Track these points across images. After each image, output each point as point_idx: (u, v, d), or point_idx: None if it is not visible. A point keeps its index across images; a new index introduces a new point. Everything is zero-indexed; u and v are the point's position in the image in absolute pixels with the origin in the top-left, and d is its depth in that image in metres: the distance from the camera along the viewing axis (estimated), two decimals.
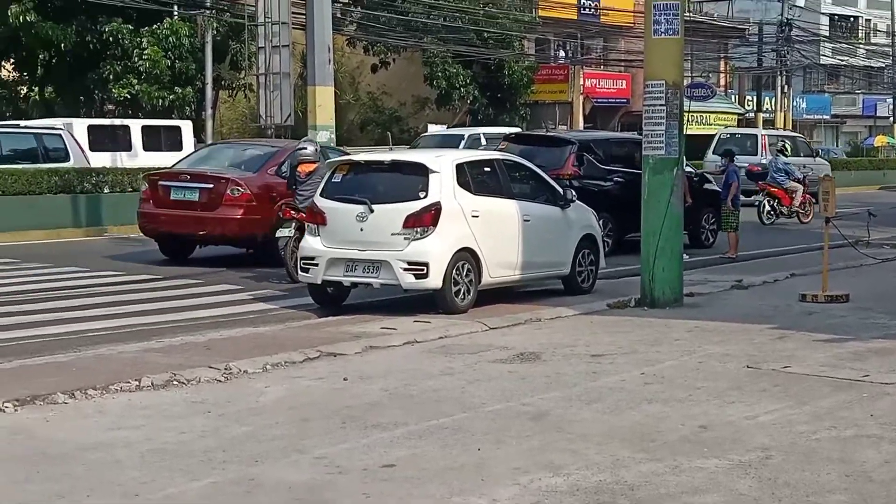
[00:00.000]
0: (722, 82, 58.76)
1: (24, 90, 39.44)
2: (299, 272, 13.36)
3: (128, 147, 29.41)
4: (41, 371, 9.50)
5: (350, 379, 9.41)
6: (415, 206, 12.73)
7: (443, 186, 12.87)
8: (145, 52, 33.79)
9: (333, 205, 13.11)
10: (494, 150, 18.42)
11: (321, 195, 13.35)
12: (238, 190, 17.18)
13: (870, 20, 79.10)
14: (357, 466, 6.86)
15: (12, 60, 38.39)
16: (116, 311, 13.29)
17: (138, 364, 9.76)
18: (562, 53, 51.23)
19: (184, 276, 16.37)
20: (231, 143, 20.69)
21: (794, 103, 65.52)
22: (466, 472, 6.74)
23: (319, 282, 13.14)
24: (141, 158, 28.40)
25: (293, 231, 15.22)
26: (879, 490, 6.42)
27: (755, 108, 59.39)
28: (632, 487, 6.45)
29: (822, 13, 68.88)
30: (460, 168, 13.26)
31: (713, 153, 34.99)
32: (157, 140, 30.18)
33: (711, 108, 51.25)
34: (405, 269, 12.60)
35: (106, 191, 24.11)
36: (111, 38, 34.08)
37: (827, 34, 67.94)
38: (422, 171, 12.98)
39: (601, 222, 15.91)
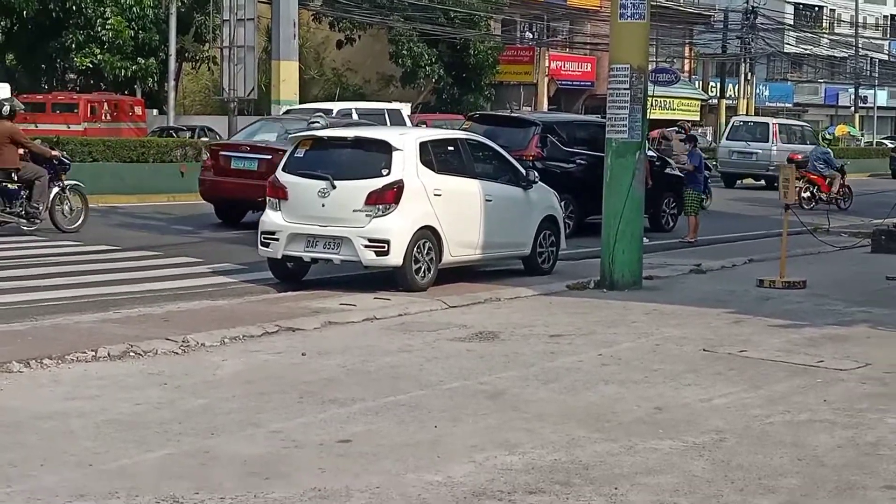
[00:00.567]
0: (686, 68, 58.94)
1: None
2: (259, 246, 13.31)
3: None
4: None
5: (308, 354, 9.41)
6: (377, 183, 12.71)
7: (406, 164, 12.85)
8: (108, 21, 33.53)
9: (295, 180, 13.06)
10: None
11: (283, 170, 13.29)
12: None
13: (834, 10, 79.58)
14: (313, 441, 6.86)
15: None
16: (74, 282, 13.20)
17: (95, 334, 9.71)
18: (529, 35, 51.23)
19: (143, 248, 16.28)
20: (280, 118, 21.64)
21: (757, 91, 65.87)
22: (422, 449, 6.76)
23: (280, 256, 13.09)
24: None
25: None
26: (831, 474, 6.49)
27: (718, 95, 59.67)
28: (586, 467, 6.48)
29: (788, 2, 69.26)
30: (424, 146, 13.24)
31: (727, 139, 36.17)
32: None
33: (675, 94, 51.44)
34: (366, 246, 12.58)
35: None
36: (74, 7, 33.77)
37: (791, 23, 68.27)
38: (385, 149, 12.95)
39: (563, 204, 15.93)
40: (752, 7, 56.86)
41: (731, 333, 10.80)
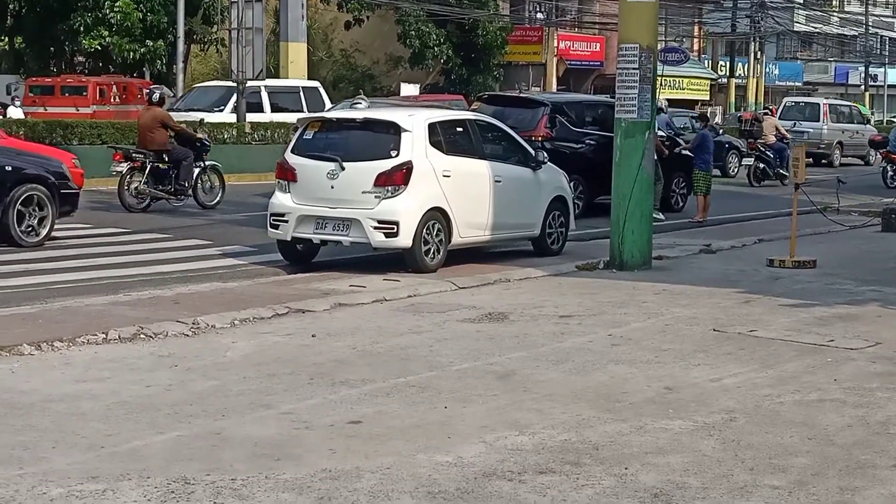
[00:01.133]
0: (696, 47, 58.77)
1: None
2: (269, 228, 13.32)
3: None
4: (7, 322, 9.45)
5: (318, 336, 9.42)
6: (386, 164, 12.70)
7: (414, 145, 12.84)
8: (117, 3, 33.50)
9: (304, 161, 13.06)
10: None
11: (292, 152, 13.29)
12: None
13: None
14: (323, 422, 6.87)
15: None
16: (84, 264, 13.23)
17: (105, 317, 9.73)
18: (540, 15, 51.07)
19: (152, 231, 16.31)
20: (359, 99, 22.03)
21: (767, 70, 65.66)
22: (432, 430, 6.77)
23: (289, 238, 13.11)
24: None
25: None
26: (841, 453, 6.48)
27: (728, 74, 59.50)
28: (596, 447, 6.49)
29: None
30: (432, 127, 13.22)
31: (780, 119, 37.17)
32: None
33: (684, 73, 51.34)
34: (375, 228, 12.59)
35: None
36: None
37: (801, 1, 67.97)
38: (394, 130, 12.94)
39: (572, 185, 15.92)
40: None
41: (741, 313, 10.79)
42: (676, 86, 51.77)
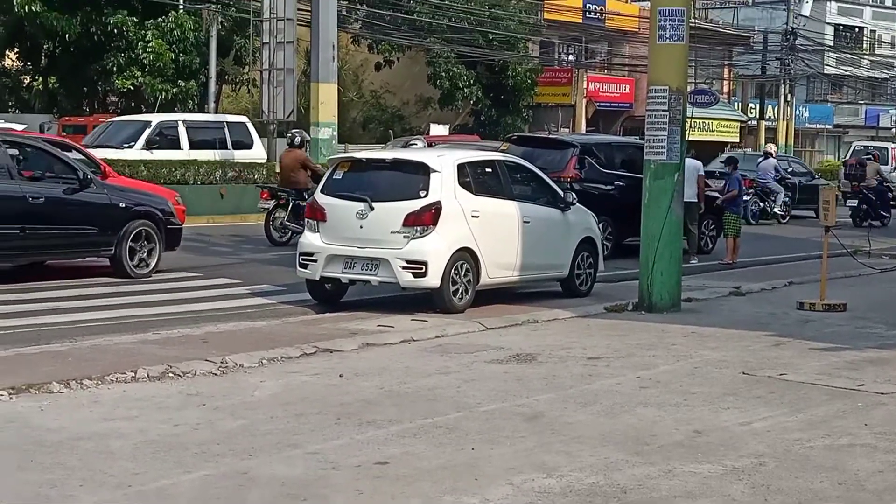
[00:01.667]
0: (725, 89, 58.73)
1: (28, 80, 39.43)
2: (298, 268, 13.36)
3: None
4: (37, 360, 9.50)
5: (346, 375, 9.42)
6: (415, 204, 12.73)
7: (443, 186, 12.87)
8: (149, 44, 33.78)
9: (334, 201, 13.11)
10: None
11: (321, 191, 13.35)
12: None
13: (875, 31, 79.06)
14: (350, 463, 6.86)
15: (16, 50, 38.36)
16: (113, 303, 13.29)
17: (134, 355, 9.76)
18: (571, 58, 51.22)
19: (182, 269, 16.37)
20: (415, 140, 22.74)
21: (797, 112, 65.49)
22: (459, 472, 6.74)
23: (318, 278, 13.14)
24: None
25: None
26: (872, 499, 6.42)
27: (758, 116, 59.38)
28: (624, 490, 6.45)
29: (828, 23, 68.81)
30: (461, 168, 13.26)
31: (846, 158, 37.80)
32: None
33: (714, 115, 51.26)
34: (404, 268, 12.60)
35: None
36: (116, 30, 34.06)
37: (832, 44, 67.92)
38: (423, 170, 12.98)
39: (601, 226, 15.91)
40: (792, 28, 56.63)
41: (771, 356, 10.73)
42: (706, 128, 51.69)
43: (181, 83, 34.62)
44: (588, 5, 50.39)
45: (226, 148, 27.36)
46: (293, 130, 22.51)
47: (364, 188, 13.07)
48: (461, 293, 12.91)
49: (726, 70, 60.10)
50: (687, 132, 13.79)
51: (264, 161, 27.90)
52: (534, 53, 48.17)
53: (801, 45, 58.12)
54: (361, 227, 12.81)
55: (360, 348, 10.67)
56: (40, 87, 38.56)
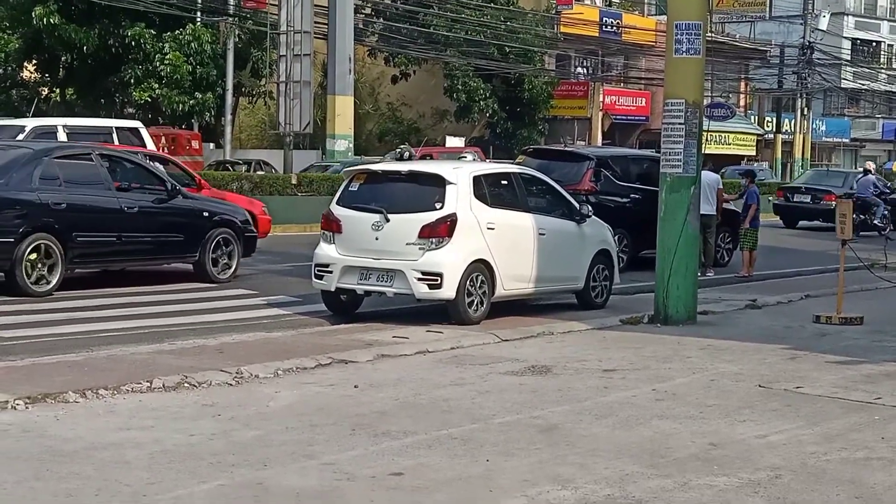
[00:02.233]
0: (742, 103, 58.71)
1: (46, 91, 39.64)
2: (313, 279, 13.37)
3: None
4: (53, 370, 9.52)
5: (361, 386, 9.42)
6: (431, 216, 12.74)
7: (459, 198, 12.88)
8: (167, 56, 33.96)
9: (349, 213, 13.13)
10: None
11: (337, 203, 13.37)
12: None
13: (892, 45, 78.90)
14: (365, 474, 6.86)
15: (34, 61, 38.59)
16: (128, 313, 13.32)
17: (150, 365, 9.78)
18: (584, 70, 51.26)
19: (198, 280, 16.39)
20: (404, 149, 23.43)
21: (814, 126, 65.42)
22: (474, 483, 6.74)
23: (333, 289, 13.15)
24: None
25: None
26: None
27: (774, 130, 59.34)
28: (640, 502, 6.43)
29: (845, 37, 68.71)
30: (477, 180, 13.26)
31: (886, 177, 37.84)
32: None
33: (730, 129, 51.25)
34: (419, 279, 12.61)
35: None
36: (133, 43, 34.26)
37: (848, 58, 67.83)
38: (439, 182, 12.99)
39: (616, 238, 15.89)
40: (809, 42, 56.60)
41: (787, 369, 10.69)
42: (722, 141, 51.69)
43: (198, 95, 34.78)
44: (605, 19, 50.51)
45: None
46: (401, 147, 23.00)
47: (380, 200, 13.08)
48: (476, 305, 12.90)
49: (743, 84, 60.10)
50: (703, 145, 13.78)
51: None
52: (550, 67, 48.25)
53: (818, 59, 58.09)
54: (377, 238, 12.83)
55: (375, 359, 10.68)
56: (58, 98, 38.76)
